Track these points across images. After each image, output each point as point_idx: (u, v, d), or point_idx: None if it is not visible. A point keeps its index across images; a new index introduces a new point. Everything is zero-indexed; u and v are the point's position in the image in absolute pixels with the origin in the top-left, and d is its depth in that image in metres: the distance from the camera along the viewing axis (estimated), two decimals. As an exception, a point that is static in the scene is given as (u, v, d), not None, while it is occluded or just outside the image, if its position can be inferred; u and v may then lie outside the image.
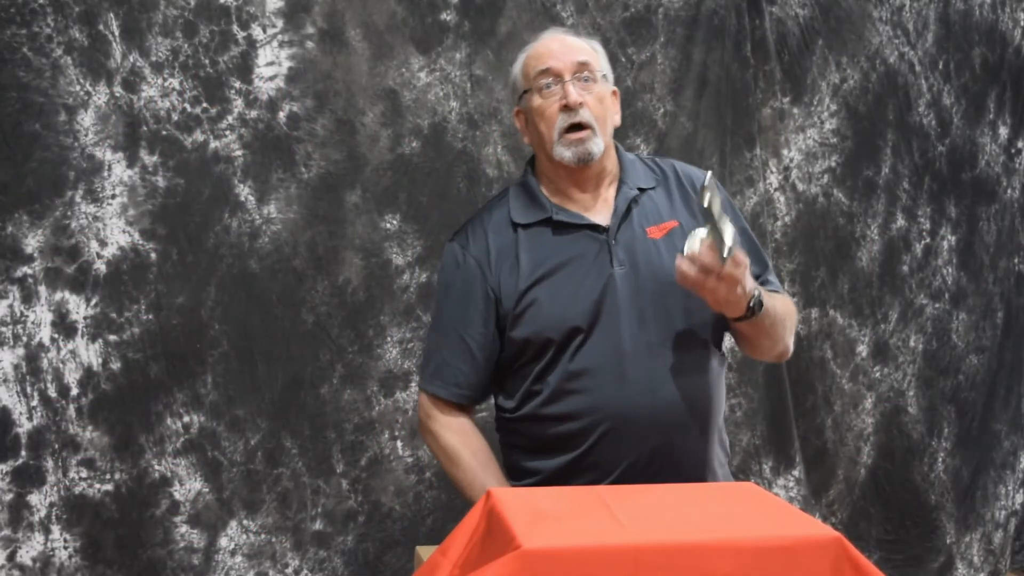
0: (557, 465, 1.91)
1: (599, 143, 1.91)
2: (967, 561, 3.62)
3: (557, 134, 1.90)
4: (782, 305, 1.95)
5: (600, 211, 1.95)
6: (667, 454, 1.88)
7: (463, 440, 1.97)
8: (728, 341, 2.05)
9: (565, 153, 1.90)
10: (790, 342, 1.99)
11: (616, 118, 1.99)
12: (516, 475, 1.98)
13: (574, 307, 1.88)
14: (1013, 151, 3.69)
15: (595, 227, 1.93)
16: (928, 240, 3.51)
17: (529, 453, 1.96)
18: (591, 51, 1.97)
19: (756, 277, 1.92)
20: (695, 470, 1.91)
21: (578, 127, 1.90)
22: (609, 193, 1.97)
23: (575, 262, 1.90)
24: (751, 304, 1.81)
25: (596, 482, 1.87)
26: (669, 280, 1.84)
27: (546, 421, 1.91)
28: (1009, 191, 3.69)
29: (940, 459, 3.56)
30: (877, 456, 3.43)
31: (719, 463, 1.97)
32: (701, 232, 1.73)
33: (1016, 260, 3.76)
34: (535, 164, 2.02)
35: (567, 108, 1.89)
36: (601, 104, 1.93)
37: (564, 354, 1.88)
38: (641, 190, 1.98)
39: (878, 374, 3.43)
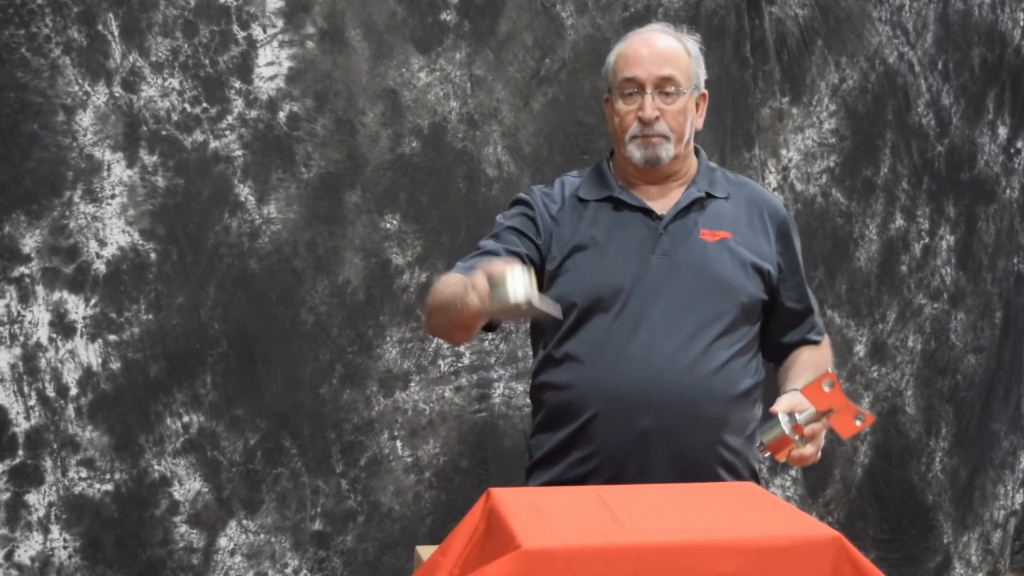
0: (557, 441, 1.98)
1: (669, 150, 1.99)
2: (965, 561, 3.63)
3: (628, 137, 2.00)
4: (820, 363, 2.04)
5: (662, 203, 2.03)
6: (661, 440, 1.90)
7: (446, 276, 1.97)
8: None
9: (635, 153, 2.00)
10: None
11: (699, 122, 2.07)
12: (532, 454, 2.06)
13: (604, 281, 1.95)
14: (1012, 151, 3.69)
15: (650, 212, 2.01)
16: (927, 240, 3.51)
17: (539, 427, 2.04)
18: (683, 58, 2.03)
19: (799, 314, 2.06)
20: (694, 465, 1.92)
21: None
22: (677, 192, 2.05)
23: (620, 240, 1.99)
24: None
25: (591, 461, 1.93)
26: (707, 280, 1.95)
27: (551, 389, 1.99)
28: (1008, 191, 3.69)
29: (938, 459, 3.56)
30: (874, 456, 3.43)
31: (727, 467, 1.97)
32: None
33: (1015, 260, 3.76)
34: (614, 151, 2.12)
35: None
36: (680, 116, 2.00)
37: (584, 324, 1.96)
38: (709, 195, 2.05)
39: (876, 374, 3.43)
